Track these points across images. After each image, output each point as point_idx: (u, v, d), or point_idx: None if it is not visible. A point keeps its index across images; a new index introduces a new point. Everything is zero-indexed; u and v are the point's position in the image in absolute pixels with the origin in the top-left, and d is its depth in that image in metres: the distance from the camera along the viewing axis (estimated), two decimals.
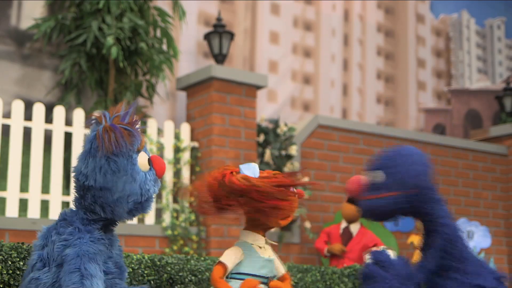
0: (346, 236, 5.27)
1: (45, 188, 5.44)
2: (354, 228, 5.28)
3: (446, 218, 2.50)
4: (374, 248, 2.53)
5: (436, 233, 2.48)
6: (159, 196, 5.77)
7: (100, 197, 2.22)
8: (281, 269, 2.69)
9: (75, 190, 2.27)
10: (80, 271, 2.11)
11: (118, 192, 2.20)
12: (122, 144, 2.17)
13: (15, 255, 2.68)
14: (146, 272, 3.08)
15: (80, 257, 2.13)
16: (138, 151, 2.24)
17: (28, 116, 5.34)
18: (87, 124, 2.26)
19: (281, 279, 2.66)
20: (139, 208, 2.27)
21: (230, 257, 2.55)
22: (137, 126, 2.23)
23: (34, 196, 5.18)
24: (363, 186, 2.58)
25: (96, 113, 2.24)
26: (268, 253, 2.63)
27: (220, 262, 2.53)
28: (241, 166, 2.55)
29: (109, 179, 2.19)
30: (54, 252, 2.18)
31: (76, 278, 2.10)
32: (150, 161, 2.29)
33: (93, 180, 2.21)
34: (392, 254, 2.52)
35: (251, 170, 2.52)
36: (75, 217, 2.25)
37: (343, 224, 5.39)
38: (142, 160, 2.25)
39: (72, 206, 2.34)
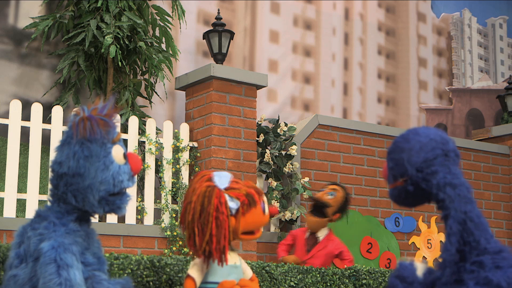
0: (312, 241, 5.00)
1: (43, 189, 5.40)
2: (321, 233, 4.99)
3: (462, 202, 2.33)
4: (403, 259, 2.41)
5: (450, 219, 2.30)
6: (158, 197, 5.74)
7: (72, 184, 2.26)
8: (248, 273, 2.71)
9: (50, 180, 2.30)
10: (56, 262, 2.12)
11: (89, 179, 2.24)
12: (96, 131, 2.23)
13: None
14: (145, 273, 3.05)
15: (55, 248, 2.14)
16: (114, 143, 2.28)
17: (26, 116, 5.31)
18: (68, 120, 2.32)
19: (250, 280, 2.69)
20: (111, 201, 2.28)
21: (195, 269, 2.61)
22: (114, 118, 2.27)
23: (32, 197, 5.14)
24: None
25: (76, 109, 2.31)
26: (233, 259, 2.63)
27: (188, 276, 2.59)
28: (214, 173, 2.56)
29: (81, 165, 2.24)
30: (30, 248, 2.20)
31: (53, 269, 2.11)
32: (126, 156, 2.32)
33: (66, 167, 2.26)
34: (420, 268, 2.39)
35: (222, 179, 2.54)
36: (49, 212, 2.29)
37: None
38: (116, 152, 2.30)
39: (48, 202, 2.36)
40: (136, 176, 2.42)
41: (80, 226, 2.31)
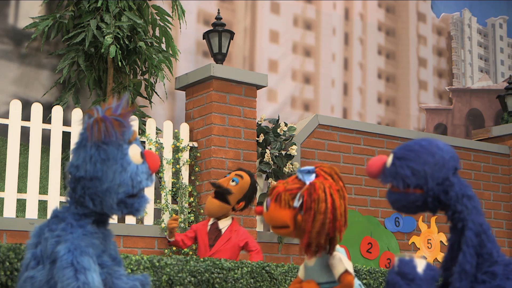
0: (214, 233, 4.55)
1: (43, 189, 5.40)
2: (224, 224, 4.53)
3: (477, 214, 2.36)
4: (402, 255, 2.39)
5: (468, 230, 2.32)
6: (158, 197, 5.74)
7: (90, 188, 2.21)
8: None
9: (68, 184, 2.27)
10: (73, 266, 2.10)
11: (108, 182, 2.19)
12: (112, 133, 2.18)
13: (13, 256, 2.65)
14: (145, 273, 3.05)
15: (71, 251, 2.12)
16: (130, 143, 2.23)
17: (26, 116, 5.30)
18: (82, 121, 2.25)
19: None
20: (129, 202, 2.25)
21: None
22: (129, 118, 2.22)
23: (32, 197, 5.14)
24: (384, 170, 2.45)
25: (89, 109, 2.25)
26: (310, 261, 2.61)
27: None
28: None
29: (99, 168, 2.19)
30: (47, 249, 2.18)
31: (70, 273, 2.09)
32: (143, 154, 2.27)
33: (83, 170, 2.21)
34: (420, 264, 2.38)
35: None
36: (67, 213, 2.25)
37: (211, 220, 4.61)
38: (133, 152, 2.25)
39: (65, 203, 2.33)
40: (154, 175, 2.36)
41: (98, 228, 2.28)
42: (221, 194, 4.49)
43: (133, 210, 2.29)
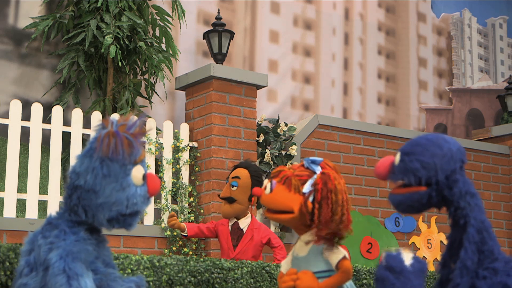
0: (236, 233, 4.50)
1: (43, 189, 5.40)
2: (244, 223, 4.48)
3: (479, 212, 2.37)
4: (390, 250, 2.39)
5: (471, 227, 2.34)
6: (158, 197, 5.74)
7: (85, 199, 2.21)
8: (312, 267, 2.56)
9: (65, 188, 2.27)
10: (66, 272, 2.09)
11: (103, 197, 2.19)
12: (119, 151, 2.17)
13: (13, 256, 2.65)
14: (145, 273, 3.05)
15: (63, 258, 2.11)
16: (135, 163, 2.22)
17: (26, 116, 5.31)
18: (95, 128, 2.24)
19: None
20: (121, 220, 2.24)
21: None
22: (140, 139, 2.21)
23: (32, 197, 5.14)
24: (393, 168, 2.44)
25: (105, 119, 2.24)
26: (302, 251, 2.58)
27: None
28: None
29: (98, 182, 2.18)
30: (40, 256, 2.17)
31: (63, 279, 2.09)
32: (145, 177, 2.26)
33: (83, 180, 2.20)
34: (407, 257, 2.39)
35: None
36: (61, 220, 2.25)
37: (231, 221, 4.55)
38: (137, 173, 2.23)
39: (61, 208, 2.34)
40: (152, 198, 2.35)
41: (91, 234, 2.27)
42: (229, 201, 4.46)
43: (126, 224, 2.28)
